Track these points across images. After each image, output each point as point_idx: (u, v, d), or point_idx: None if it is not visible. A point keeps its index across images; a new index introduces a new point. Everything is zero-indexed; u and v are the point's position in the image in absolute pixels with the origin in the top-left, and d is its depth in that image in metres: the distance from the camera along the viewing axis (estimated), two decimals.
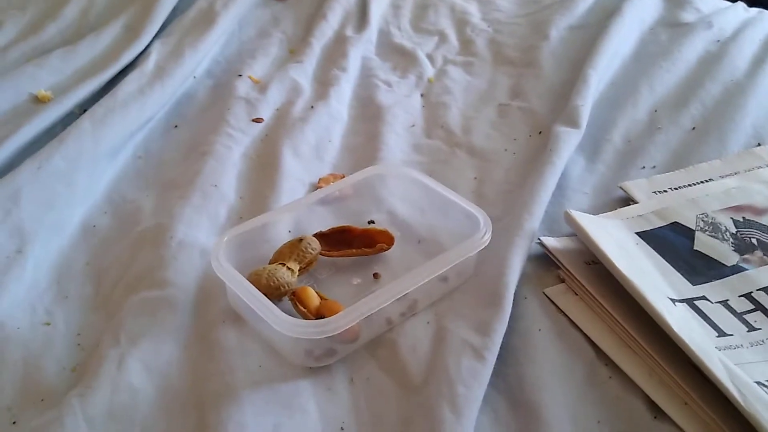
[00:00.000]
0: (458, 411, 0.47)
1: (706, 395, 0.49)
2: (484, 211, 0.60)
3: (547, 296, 0.59)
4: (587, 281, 0.58)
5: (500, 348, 0.54)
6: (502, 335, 0.54)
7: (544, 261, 0.63)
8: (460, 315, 0.56)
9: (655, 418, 0.50)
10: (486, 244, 0.58)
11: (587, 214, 0.63)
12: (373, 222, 0.67)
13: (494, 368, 0.52)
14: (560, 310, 0.58)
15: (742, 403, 0.46)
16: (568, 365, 0.54)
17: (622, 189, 0.70)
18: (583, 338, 0.56)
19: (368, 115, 0.85)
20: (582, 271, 0.60)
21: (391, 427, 0.49)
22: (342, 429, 0.49)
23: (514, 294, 0.58)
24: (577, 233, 0.61)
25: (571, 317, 0.57)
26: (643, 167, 0.74)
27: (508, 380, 0.53)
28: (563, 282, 0.61)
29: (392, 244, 0.63)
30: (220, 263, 0.54)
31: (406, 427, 0.48)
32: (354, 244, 0.63)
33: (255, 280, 0.56)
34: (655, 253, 0.60)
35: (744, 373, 0.49)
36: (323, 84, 0.89)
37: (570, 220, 0.61)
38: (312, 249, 0.59)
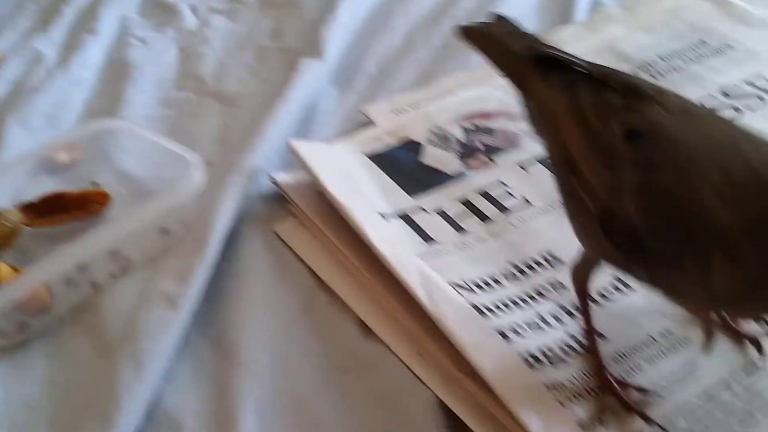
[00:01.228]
0: (140, 367, 0.44)
1: (413, 310, 0.47)
2: (200, 155, 0.56)
3: (276, 234, 0.57)
4: (314, 212, 0.56)
5: (214, 293, 0.51)
6: (204, 280, 0.50)
7: (280, 199, 0.60)
8: (171, 267, 0.53)
9: (366, 338, 0.48)
10: (194, 189, 0.54)
11: (314, 143, 0.60)
12: (97, 184, 0.62)
13: (204, 315, 0.50)
14: (287, 245, 0.55)
15: (429, 306, 0.45)
16: (283, 298, 0.51)
17: (363, 114, 0.67)
18: (306, 270, 0.53)
19: (117, 77, 0.79)
20: (310, 202, 0.57)
21: (82, 397, 0.45)
22: (29, 407, 0.45)
23: (239, 234, 0.54)
24: (299, 163, 0.58)
25: (296, 251, 0.55)
26: (393, 90, 0.72)
27: (217, 325, 0.50)
28: (295, 217, 0.58)
29: (107, 203, 0.58)
30: None
31: (93, 394, 0.45)
32: (70, 209, 0.58)
33: None
34: (381, 173, 0.58)
35: (441, 277, 0.47)
36: (68, 49, 0.83)
37: (292, 150, 0.59)
38: (7, 222, 0.54)
